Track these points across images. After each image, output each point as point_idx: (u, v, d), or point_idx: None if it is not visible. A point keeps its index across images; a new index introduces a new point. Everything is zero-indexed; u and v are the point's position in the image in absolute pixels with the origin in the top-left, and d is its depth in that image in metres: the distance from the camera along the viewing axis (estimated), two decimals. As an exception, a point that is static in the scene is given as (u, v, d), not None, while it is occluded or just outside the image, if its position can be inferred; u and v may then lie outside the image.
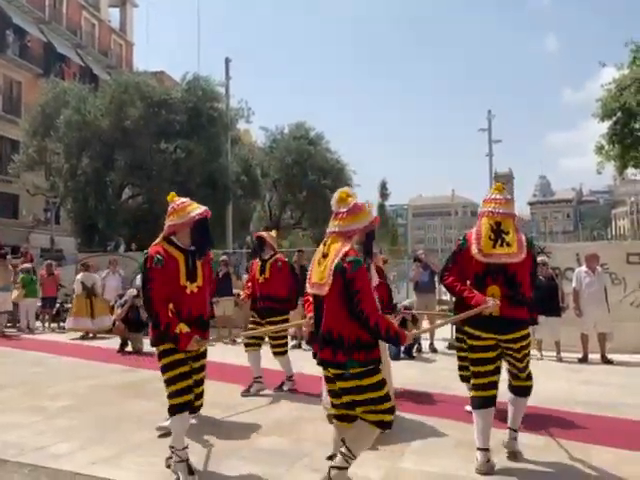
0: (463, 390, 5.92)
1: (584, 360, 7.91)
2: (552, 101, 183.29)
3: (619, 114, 13.47)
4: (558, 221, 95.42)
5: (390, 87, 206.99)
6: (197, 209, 3.62)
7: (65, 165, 17.93)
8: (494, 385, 3.68)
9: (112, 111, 17.50)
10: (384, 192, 53.29)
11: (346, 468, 3.09)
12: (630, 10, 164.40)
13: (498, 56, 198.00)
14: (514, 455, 3.84)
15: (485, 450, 3.61)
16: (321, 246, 3.19)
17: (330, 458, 3.26)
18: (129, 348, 9.13)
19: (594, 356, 7.98)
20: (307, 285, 3.25)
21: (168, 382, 3.51)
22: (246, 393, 5.82)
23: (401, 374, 5.64)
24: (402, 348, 8.76)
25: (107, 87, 19.35)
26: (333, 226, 3.13)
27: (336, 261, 2.96)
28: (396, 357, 8.08)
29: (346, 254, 2.96)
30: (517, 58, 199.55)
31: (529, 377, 3.83)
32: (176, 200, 3.66)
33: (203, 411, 5.02)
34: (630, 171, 15.26)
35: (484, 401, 3.66)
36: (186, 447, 3.52)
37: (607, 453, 3.99)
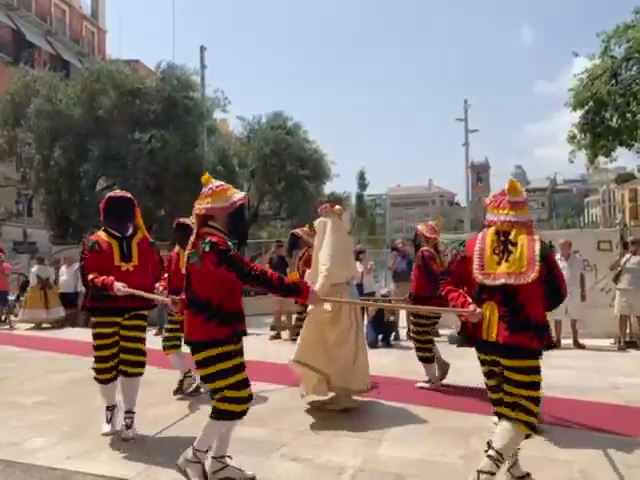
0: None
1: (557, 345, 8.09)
2: (527, 91, 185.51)
3: (591, 103, 13.69)
4: (533, 210, 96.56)
5: (369, 79, 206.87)
6: (237, 193, 3.31)
7: (37, 156, 17.50)
8: None
9: (84, 100, 17.11)
10: (362, 182, 53.48)
11: (495, 473, 3.01)
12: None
13: (476, 46, 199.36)
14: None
15: None
16: (493, 235, 3.16)
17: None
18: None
19: (567, 341, 8.17)
20: (478, 276, 3.09)
21: (234, 387, 3.13)
22: (179, 392, 5.39)
23: (379, 362, 5.71)
24: (379, 336, 8.86)
25: (79, 75, 18.90)
26: (510, 215, 3.16)
27: (538, 249, 3.06)
28: (373, 345, 8.16)
29: (542, 242, 3.13)
30: (494, 48, 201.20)
31: None
32: (214, 182, 3.32)
33: (182, 401, 5.03)
34: (601, 159, 15.52)
35: None
36: (207, 450, 3.26)
37: (574, 434, 4.11)
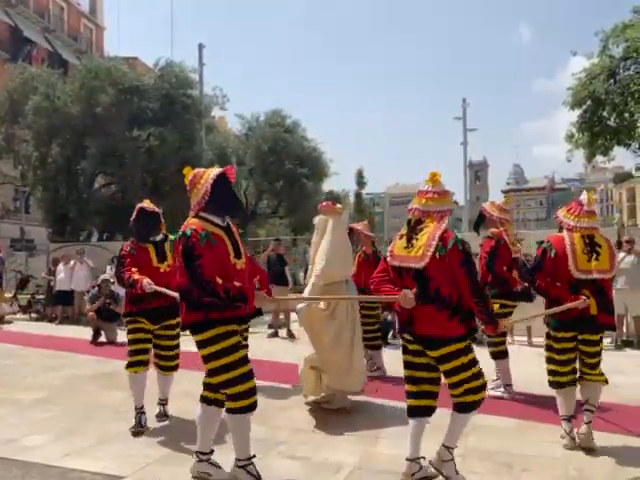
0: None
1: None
2: (526, 89, 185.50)
3: (589, 102, 13.73)
4: (531, 208, 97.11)
5: (367, 78, 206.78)
6: None
7: (34, 153, 17.48)
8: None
9: (82, 97, 17.08)
10: (361, 181, 53.48)
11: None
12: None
13: (474, 45, 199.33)
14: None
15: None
16: (580, 239, 3.84)
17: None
18: (103, 338, 9.03)
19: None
20: (575, 272, 3.77)
21: (472, 378, 3.20)
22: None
23: (376, 360, 5.74)
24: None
25: (77, 72, 18.85)
26: (590, 222, 3.91)
27: (614, 251, 4.03)
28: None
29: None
30: (492, 46, 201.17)
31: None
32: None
33: (179, 401, 5.03)
34: (599, 159, 15.57)
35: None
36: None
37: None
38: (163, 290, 4.18)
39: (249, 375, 3.14)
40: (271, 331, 9.79)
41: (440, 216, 3.26)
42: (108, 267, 11.46)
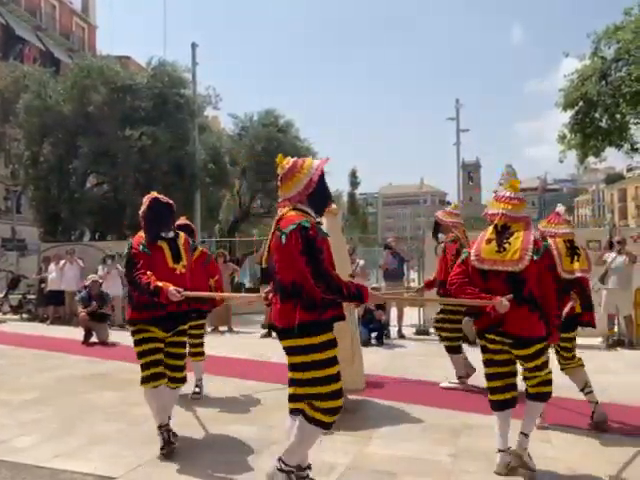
0: (430, 376, 6.06)
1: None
2: (519, 90, 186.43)
3: (581, 104, 13.82)
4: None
5: (360, 78, 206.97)
6: None
7: (26, 152, 17.35)
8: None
9: (74, 96, 16.96)
10: (354, 181, 53.62)
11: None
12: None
13: (467, 46, 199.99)
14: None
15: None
16: (562, 243, 4.34)
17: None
18: (94, 339, 8.99)
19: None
20: (563, 274, 4.18)
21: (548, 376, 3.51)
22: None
23: (370, 359, 5.72)
24: (373, 334, 8.88)
25: (69, 71, 18.74)
26: (568, 228, 4.49)
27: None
28: (366, 343, 8.18)
29: None
30: (485, 47, 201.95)
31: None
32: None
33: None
34: (591, 160, 15.69)
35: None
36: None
37: (563, 432, 4.14)
38: (198, 294, 3.82)
39: (341, 391, 2.91)
40: (264, 331, 9.77)
41: (527, 221, 3.47)
42: (100, 267, 11.41)
